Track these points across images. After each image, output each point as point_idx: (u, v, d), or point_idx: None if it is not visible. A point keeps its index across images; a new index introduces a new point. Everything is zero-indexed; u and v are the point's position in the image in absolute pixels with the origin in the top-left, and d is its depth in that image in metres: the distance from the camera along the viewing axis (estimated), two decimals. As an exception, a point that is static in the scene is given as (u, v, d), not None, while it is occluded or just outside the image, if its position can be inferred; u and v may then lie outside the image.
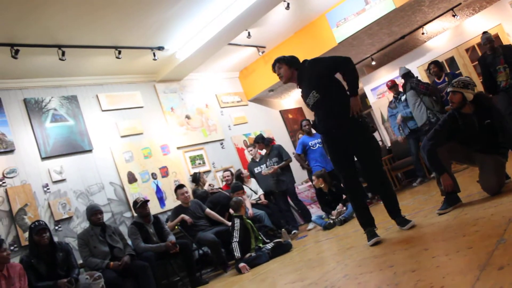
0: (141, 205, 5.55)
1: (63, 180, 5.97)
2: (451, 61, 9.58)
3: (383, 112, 9.85)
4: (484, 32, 6.78)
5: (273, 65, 3.96)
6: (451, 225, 3.12)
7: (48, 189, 5.79)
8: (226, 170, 7.66)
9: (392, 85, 7.40)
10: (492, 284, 1.69)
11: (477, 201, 3.66)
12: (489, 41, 6.66)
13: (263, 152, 7.61)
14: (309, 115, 10.15)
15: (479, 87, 8.38)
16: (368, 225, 3.65)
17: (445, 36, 9.60)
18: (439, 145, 3.82)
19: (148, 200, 5.70)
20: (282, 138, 9.41)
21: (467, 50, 9.34)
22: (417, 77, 7.36)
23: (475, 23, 9.10)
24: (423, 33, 9.08)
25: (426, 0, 7.55)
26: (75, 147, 6.27)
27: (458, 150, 3.93)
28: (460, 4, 8.32)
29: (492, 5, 8.87)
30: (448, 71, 8.82)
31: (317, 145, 7.12)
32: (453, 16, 8.60)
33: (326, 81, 3.69)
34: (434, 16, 8.54)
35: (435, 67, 7.35)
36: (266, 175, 7.09)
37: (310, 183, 7.70)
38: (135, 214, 5.85)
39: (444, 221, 3.35)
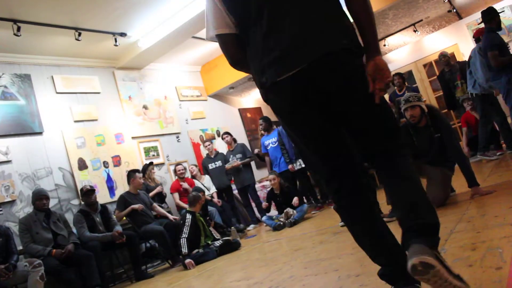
0: (86, 193, 5.43)
1: (8, 162, 5.70)
2: (409, 75, 9.89)
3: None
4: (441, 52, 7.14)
5: None
6: (397, 233, 3.20)
7: (-9, 169, 5.53)
8: (179, 164, 7.57)
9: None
10: (431, 292, 1.75)
11: (422, 211, 3.77)
12: (444, 56, 6.96)
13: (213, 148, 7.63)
14: (267, 114, 10.17)
15: (434, 103, 8.69)
16: None
17: (405, 50, 9.91)
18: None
19: (94, 189, 5.56)
20: (239, 136, 9.41)
21: (424, 65, 9.67)
22: None
23: (434, 40, 9.45)
24: (384, 45, 9.33)
25: (390, 13, 7.76)
26: (24, 128, 6.01)
27: (408, 161, 4.05)
28: (421, 20, 8.62)
29: (450, 24, 9.24)
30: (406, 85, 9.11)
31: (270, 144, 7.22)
32: (414, 31, 8.90)
33: None
34: (397, 30, 8.80)
35: (400, 78, 7.59)
36: (229, 169, 7.32)
37: (264, 183, 7.76)
38: (82, 202, 5.69)
39: (391, 229, 3.43)
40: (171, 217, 6.13)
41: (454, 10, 8.64)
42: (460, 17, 9.15)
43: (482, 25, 5.76)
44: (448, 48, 9.18)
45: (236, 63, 1.87)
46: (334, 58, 1.58)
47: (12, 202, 5.56)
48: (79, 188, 6.16)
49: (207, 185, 7.33)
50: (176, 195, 6.97)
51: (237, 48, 1.82)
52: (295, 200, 6.30)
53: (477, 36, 6.61)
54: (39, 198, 4.96)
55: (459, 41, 9.02)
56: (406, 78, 8.37)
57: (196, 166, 7.61)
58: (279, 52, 1.63)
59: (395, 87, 7.79)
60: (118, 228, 5.43)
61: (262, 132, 7.39)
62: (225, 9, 1.76)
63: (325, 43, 1.59)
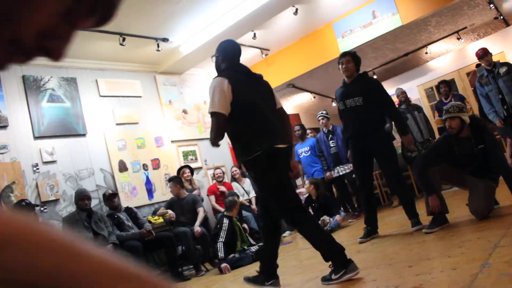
0: (108, 197, 5.62)
1: (53, 162, 5.92)
2: (452, 83, 9.65)
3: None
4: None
5: (343, 55, 4.35)
6: (437, 245, 3.13)
7: (37, 169, 5.74)
8: (218, 168, 7.64)
9: (484, 54, 6.22)
10: (474, 307, 1.70)
11: (464, 223, 3.67)
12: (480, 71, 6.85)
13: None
14: (305, 121, 10.15)
15: (476, 113, 8.42)
16: (369, 224, 4.33)
17: (447, 58, 9.67)
18: (431, 166, 3.84)
19: (116, 193, 5.74)
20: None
21: (468, 74, 9.41)
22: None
23: (478, 48, 9.16)
24: (426, 53, 9.14)
25: (432, 21, 7.61)
26: (69, 129, 6.22)
27: (450, 172, 3.95)
28: (465, 28, 8.40)
29: (496, 32, 8.97)
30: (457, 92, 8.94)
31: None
32: (458, 39, 8.68)
33: (372, 98, 4.20)
34: (439, 37, 8.61)
35: (446, 87, 7.47)
36: None
37: (300, 189, 7.72)
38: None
39: (430, 240, 3.36)
40: (197, 227, 5.84)
41: (501, 17, 8.38)
42: (507, 24, 8.87)
43: None
44: (494, 56, 8.88)
45: (221, 135, 2.96)
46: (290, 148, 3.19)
47: (56, 201, 5.75)
48: (119, 190, 6.32)
49: (247, 189, 7.37)
50: (212, 197, 7.05)
51: (224, 125, 2.92)
52: (326, 217, 6.18)
53: (479, 57, 6.27)
54: (81, 198, 5.12)
55: (505, 49, 8.74)
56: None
57: (238, 168, 7.67)
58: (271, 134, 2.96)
59: (442, 95, 7.65)
60: (147, 225, 5.56)
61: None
62: (230, 97, 2.90)
63: (288, 139, 3.17)
